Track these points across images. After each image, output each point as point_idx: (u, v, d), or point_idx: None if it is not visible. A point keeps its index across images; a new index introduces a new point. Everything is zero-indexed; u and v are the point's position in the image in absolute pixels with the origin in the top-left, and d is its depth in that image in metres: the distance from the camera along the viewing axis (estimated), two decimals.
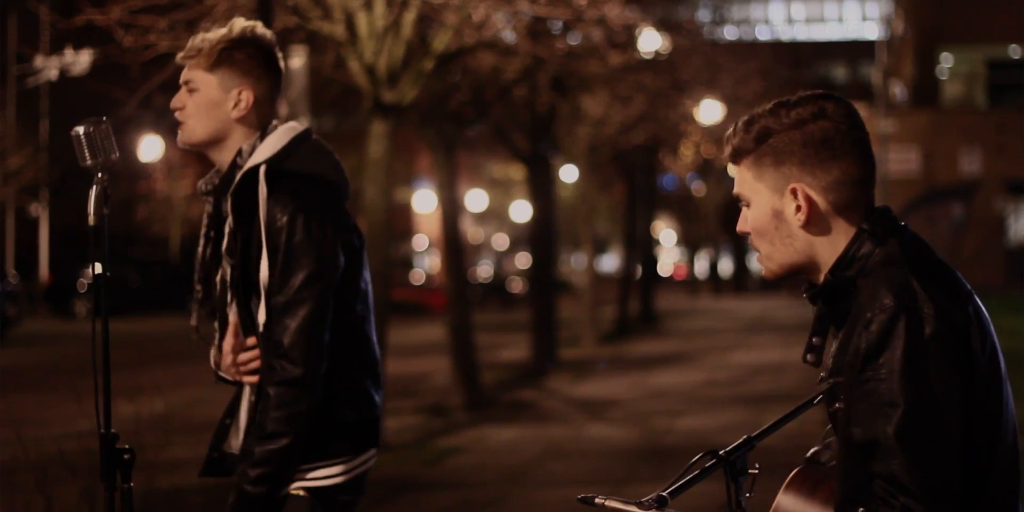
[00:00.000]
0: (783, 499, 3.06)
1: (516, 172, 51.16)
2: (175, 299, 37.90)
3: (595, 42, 15.66)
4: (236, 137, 4.06)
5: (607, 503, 3.07)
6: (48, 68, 11.81)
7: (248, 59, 4.05)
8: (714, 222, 55.06)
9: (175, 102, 4.08)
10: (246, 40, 4.06)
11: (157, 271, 39.28)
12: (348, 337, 4.05)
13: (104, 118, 3.86)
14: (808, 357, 2.96)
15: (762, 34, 59.56)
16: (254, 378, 4.04)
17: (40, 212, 41.78)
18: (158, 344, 25.83)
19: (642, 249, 33.03)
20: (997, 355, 2.77)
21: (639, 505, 3.04)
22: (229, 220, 4.02)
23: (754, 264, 67.78)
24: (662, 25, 20.70)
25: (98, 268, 3.69)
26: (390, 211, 12.50)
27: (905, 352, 2.65)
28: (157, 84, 11.73)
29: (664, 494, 3.15)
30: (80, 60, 12.29)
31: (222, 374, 4.14)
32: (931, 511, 2.61)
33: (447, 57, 12.85)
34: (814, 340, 2.94)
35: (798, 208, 2.84)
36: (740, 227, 2.96)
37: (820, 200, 2.85)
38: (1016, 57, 46.10)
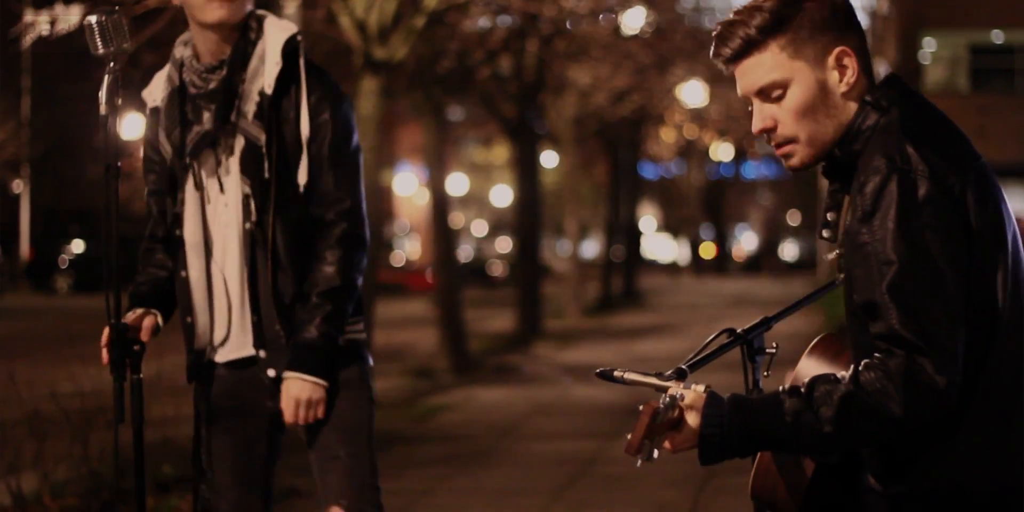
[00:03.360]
0: (804, 363, 3.04)
1: (498, 155, 51.04)
2: None
3: (586, 4, 15.63)
4: None
5: (626, 376, 3.07)
6: (39, 24, 11.70)
7: None
8: (696, 204, 55.07)
9: None
10: None
11: (138, 247, 39.02)
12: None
13: (116, 8, 3.85)
14: (824, 233, 2.92)
15: None
16: None
17: (22, 188, 41.58)
18: None
19: (625, 229, 33.02)
20: (1002, 219, 2.70)
21: (659, 377, 3.04)
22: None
23: (734, 246, 67.87)
24: (646, 2, 20.61)
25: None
26: (379, 170, 12.46)
27: (898, 212, 2.60)
28: (145, 39, 11.64)
29: (684, 367, 3.16)
30: (70, 15, 12.19)
31: None
32: (931, 361, 2.56)
33: (438, 14, 12.81)
34: (828, 216, 2.89)
35: (842, 72, 2.77)
36: (763, 125, 2.80)
37: (858, 63, 2.79)
38: (999, 42, 46.15)
